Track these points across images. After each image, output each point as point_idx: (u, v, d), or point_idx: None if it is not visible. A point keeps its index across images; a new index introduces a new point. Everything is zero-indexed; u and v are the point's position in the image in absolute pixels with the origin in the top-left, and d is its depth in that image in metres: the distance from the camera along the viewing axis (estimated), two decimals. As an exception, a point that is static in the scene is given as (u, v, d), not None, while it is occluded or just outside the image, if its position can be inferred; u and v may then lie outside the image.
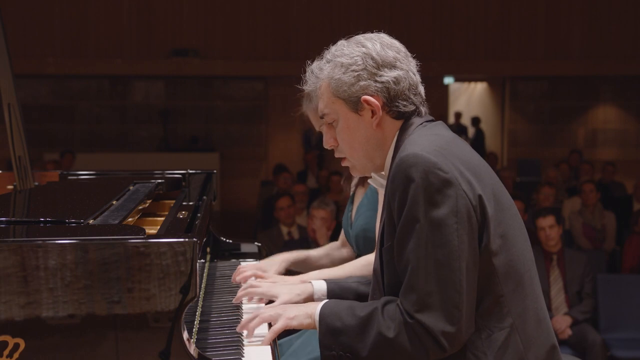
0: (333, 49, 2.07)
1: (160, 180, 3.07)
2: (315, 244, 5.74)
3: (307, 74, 2.12)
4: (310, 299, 2.37)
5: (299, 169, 12.36)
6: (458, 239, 1.82)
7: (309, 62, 2.13)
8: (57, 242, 1.74)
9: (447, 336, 1.81)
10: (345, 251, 2.99)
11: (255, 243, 3.36)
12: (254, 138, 14.33)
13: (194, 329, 2.19)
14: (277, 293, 2.37)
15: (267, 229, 6.95)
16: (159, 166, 4.25)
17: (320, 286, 2.39)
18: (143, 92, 14.46)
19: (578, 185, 9.27)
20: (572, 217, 7.79)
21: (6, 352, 1.71)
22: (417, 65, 2.10)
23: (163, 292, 1.75)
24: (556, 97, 14.71)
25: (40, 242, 1.74)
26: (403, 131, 2.02)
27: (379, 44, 2.02)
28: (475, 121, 13.60)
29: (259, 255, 3.30)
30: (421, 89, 2.08)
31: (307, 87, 2.12)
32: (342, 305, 2.00)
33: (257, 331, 2.15)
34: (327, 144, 2.13)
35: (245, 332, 2.16)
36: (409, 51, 2.09)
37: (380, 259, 2.00)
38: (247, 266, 2.79)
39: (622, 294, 5.75)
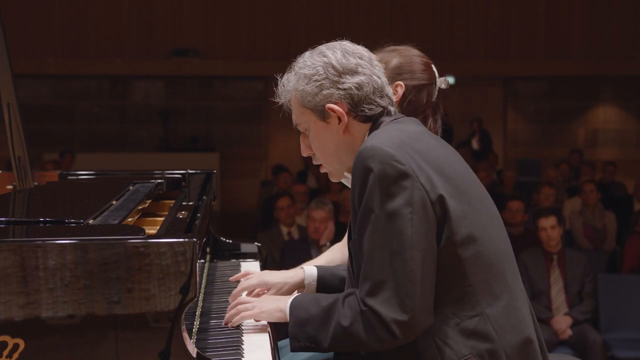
0: (299, 60, 2.12)
1: (160, 180, 3.07)
2: (316, 244, 5.73)
3: (279, 87, 2.17)
4: (301, 283, 2.38)
5: (299, 169, 12.36)
6: (412, 228, 1.85)
7: (279, 75, 2.18)
8: (56, 242, 1.74)
9: (399, 324, 1.83)
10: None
11: (255, 243, 3.35)
12: (254, 138, 14.33)
13: (193, 329, 2.19)
14: (269, 281, 2.39)
15: (267, 229, 6.94)
16: (159, 166, 4.24)
17: (311, 271, 2.40)
18: (143, 92, 14.46)
19: (578, 185, 9.27)
20: (573, 217, 7.78)
21: (6, 353, 1.71)
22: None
23: (163, 292, 1.74)
24: (556, 97, 14.71)
25: (39, 242, 1.74)
26: (372, 132, 2.06)
27: (339, 52, 2.07)
28: (478, 121, 13.62)
29: (259, 256, 3.29)
30: (388, 90, 2.11)
31: (279, 100, 2.17)
32: (309, 296, 2.05)
33: (251, 321, 2.19)
34: (304, 152, 2.19)
35: (245, 329, 2.18)
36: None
37: (349, 254, 2.04)
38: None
39: (622, 294, 5.75)
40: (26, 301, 1.71)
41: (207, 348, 2.09)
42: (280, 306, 2.08)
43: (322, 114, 2.06)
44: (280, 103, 2.17)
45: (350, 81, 2.04)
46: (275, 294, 2.34)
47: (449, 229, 1.89)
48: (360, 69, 2.06)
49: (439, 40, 13.78)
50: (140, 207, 2.60)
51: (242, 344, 2.12)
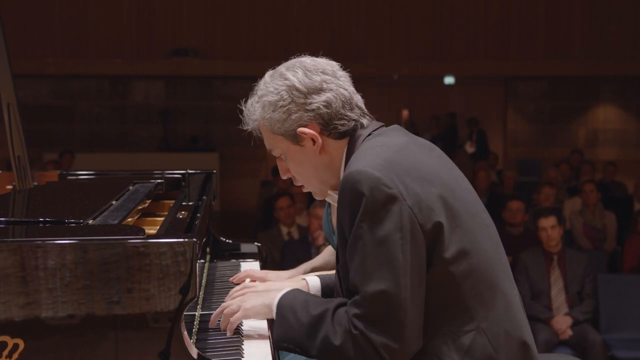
0: (260, 84, 2.05)
1: (160, 180, 3.07)
2: (315, 244, 5.73)
3: (244, 113, 2.10)
4: None
5: (299, 169, 12.33)
6: (402, 254, 1.81)
7: (243, 102, 2.11)
8: (56, 242, 1.74)
9: (390, 352, 1.81)
10: None
11: (255, 243, 3.35)
12: (254, 138, 14.29)
13: (193, 329, 2.19)
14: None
15: (267, 229, 6.94)
16: (159, 166, 4.24)
17: (315, 282, 2.39)
18: (143, 92, 14.46)
19: (578, 185, 9.27)
20: (573, 217, 7.78)
21: (5, 353, 1.71)
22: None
23: (163, 293, 1.74)
24: (556, 97, 14.71)
25: (39, 242, 1.74)
26: (351, 147, 2.01)
27: (301, 72, 1.99)
28: (474, 122, 13.60)
29: (259, 256, 3.28)
30: (357, 99, 2.04)
31: (247, 128, 2.11)
32: (299, 298, 2.00)
33: (251, 323, 2.20)
34: (283, 175, 2.14)
35: (244, 329, 2.18)
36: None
37: (337, 276, 2.02)
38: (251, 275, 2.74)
39: (622, 294, 5.75)
40: (26, 301, 1.71)
41: (207, 348, 2.09)
42: (266, 302, 2.05)
43: (295, 138, 2.01)
44: (248, 130, 2.11)
45: (317, 100, 1.97)
46: None
47: (439, 247, 1.86)
48: (325, 85, 1.99)
49: (439, 40, 13.77)
50: (140, 207, 2.60)
51: (242, 344, 2.12)
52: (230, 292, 2.29)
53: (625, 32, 13.77)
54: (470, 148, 13.43)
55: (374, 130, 2.02)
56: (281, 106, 1.99)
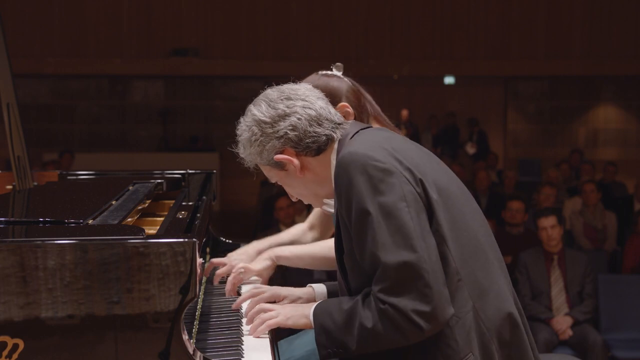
0: (238, 128, 2.17)
1: (159, 180, 3.07)
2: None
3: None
4: (312, 300, 2.37)
5: (298, 169, 12.34)
6: (412, 220, 1.86)
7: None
8: (56, 242, 1.74)
9: (422, 315, 1.83)
10: (311, 235, 3.01)
11: (255, 243, 3.33)
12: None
13: (193, 330, 2.19)
14: (281, 292, 2.38)
15: (266, 229, 6.93)
16: (159, 166, 4.23)
17: (321, 290, 2.40)
18: (142, 92, 14.45)
19: (579, 185, 9.26)
20: (573, 217, 7.78)
21: (5, 353, 1.70)
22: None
23: (162, 293, 1.74)
24: (557, 97, 14.71)
25: (39, 242, 1.73)
26: (338, 151, 2.08)
27: (264, 105, 2.11)
28: (475, 122, 13.61)
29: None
30: (326, 113, 2.10)
31: (246, 164, 2.22)
32: (332, 302, 2.04)
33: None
34: (292, 198, 2.25)
35: (244, 329, 2.18)
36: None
37: (341, 267, 2.04)
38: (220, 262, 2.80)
39: (623, 294, 5.75)
40: (26, 301, 1.71)
41: (207, 348, 2.09)
42: (305, 312, 2.07)
43: (277, 165, 2.11)
44: (249, 167, 2.22)
45: (283, 126, 2.07)
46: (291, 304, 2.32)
47: (436, 221, 1.92)
48: (288, 110, 2.08)
49: (439, 40, 13.78)
50: (139, 207, 2.60)
51: (242, 344, 2.11)
52: (239, 300, 2.38)
53: (625, 32, 13.77)
54: (471, 149, 13.44)
55: (359, 130, 2.10)
56: (254, 140, 2.11)
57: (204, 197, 3.20)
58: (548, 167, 12.12)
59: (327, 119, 2.10)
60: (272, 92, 2.14)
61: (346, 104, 2.50)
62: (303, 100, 2.10)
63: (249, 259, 2.81)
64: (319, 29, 13.35)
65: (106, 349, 1.73)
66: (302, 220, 3.09)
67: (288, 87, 2.15)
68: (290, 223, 6.55)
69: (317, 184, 2.13)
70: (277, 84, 2.18)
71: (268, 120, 2.08)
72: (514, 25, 13.84)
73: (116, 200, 2.55)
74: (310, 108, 2.09)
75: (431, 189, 1.93)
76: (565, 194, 9.65)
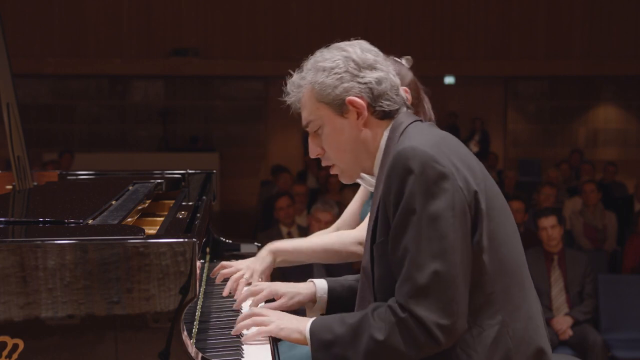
0: (314, 57, 2.10)
1: (159, 181, 3.06)
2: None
3: (288, 86, 2.13)
4: (312, 296, 2.35)
5: (298, 169, 12.35)
6: (454, 233, 1.83)
7: (288, 76, 2.14)
8: (56, 242, 1.73)
9: (441, 328, 1.81)
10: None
11: (255, 243, 3.34)
12: (254, 138, 14.32)
13: (193, 330, 2.19)
14: (279, 290, 2.35)
15: (266, 229, 6.93)
16: (159, 166, 4.23)
17: (322, 284, 2.38)
18: (142, 92, 14.46)
19: (579, 185, 9.27)
20: (573, 217, 7.78)
21: (5, 353, 1.70)
22: (407, 64, 2.12)
23: (162, 293, 1.74)
24: (557, 97, 14.71)
25: (39, 242, 1.73)
26: (393, 130, 2.04)
27: (358, 48, 2.06)
28: (478, 122, 13.65)
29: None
30: (402, 91, 2.11)
31: (289, 99, 2.12)
32: (331, 317, 1.99)
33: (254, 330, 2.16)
34: (313, 153, 2.15)
35: (244, 332, 2.17)
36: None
37: (370, 254, 1.99)
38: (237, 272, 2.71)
39: (623, 294, 5.75)
40: (26, 301, 1.71)
41: (207, 348, 2.09)
42: (300, 328, 2.01)
43: (340, 107, 2.03)
44: (288, 102, 2.13)
45: (370, 75, 2.03)
46: (287, 303, 2.30)
47: (479, 232, 1.88)
48: (378, 65, 2.05)
49: (439, 40, 13.78)
50: (139, 207, 2.60)
51: (242, 345, 2.11)
52: (239, 299, 2.36)
53: (625, 32, 13.77)
54: (474, 148, 13.44)
55: (414, 122, 2.06)
56: (335, 73, 2.03)
57: (204, 197, 3.20)
58: (548, 167, 12.12)
59: (402, 95, 2.10)
60: (366, 44, 2.10)
61: (407, 88, 2.44)
62: (388, 67, 2.08)
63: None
64: (319, 29, 13.35)
65: (106, 349, 1.73)
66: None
67: (379, 51, 2.12)
68: (290, 223, 6.55)
69: (365, 149, 2.07)
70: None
71: (359, 61, 2.03)
72: (514, 25, 13.84)
73: (116, 200, 2.55)
74: (394, 76, 2.08)
75: (482, 199, 1.90)
76: (565, 194, 9.66)
